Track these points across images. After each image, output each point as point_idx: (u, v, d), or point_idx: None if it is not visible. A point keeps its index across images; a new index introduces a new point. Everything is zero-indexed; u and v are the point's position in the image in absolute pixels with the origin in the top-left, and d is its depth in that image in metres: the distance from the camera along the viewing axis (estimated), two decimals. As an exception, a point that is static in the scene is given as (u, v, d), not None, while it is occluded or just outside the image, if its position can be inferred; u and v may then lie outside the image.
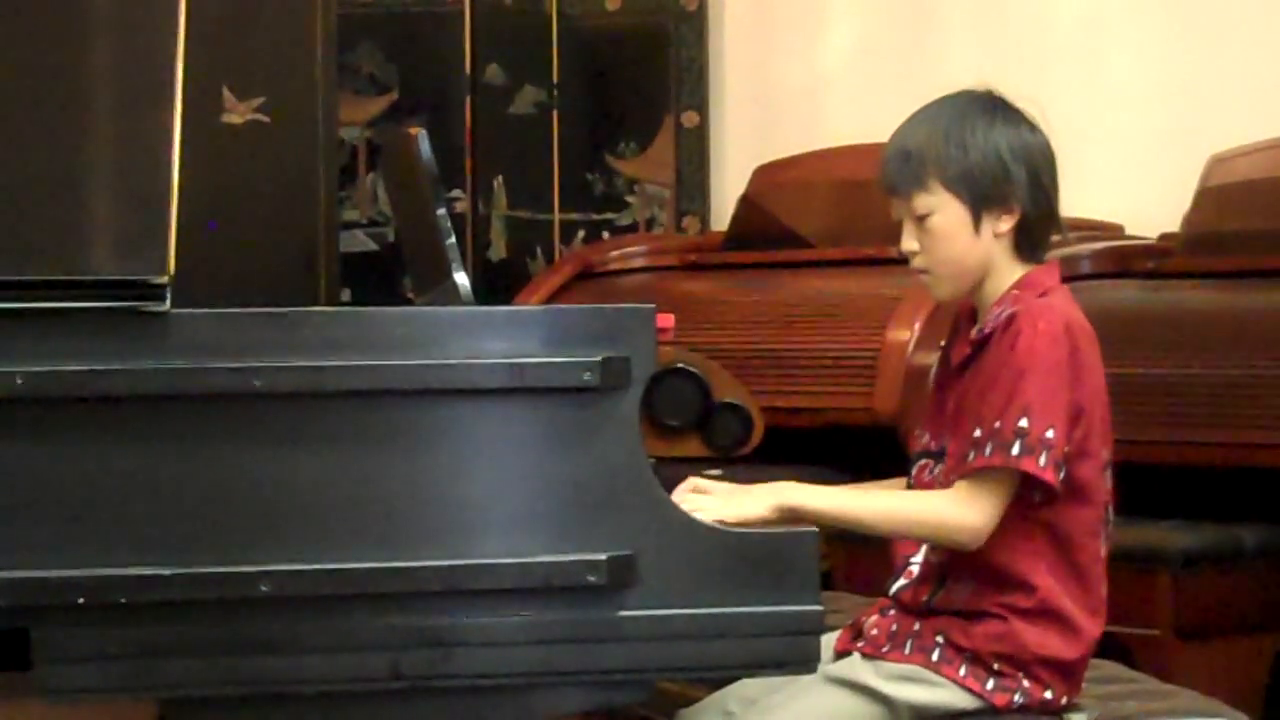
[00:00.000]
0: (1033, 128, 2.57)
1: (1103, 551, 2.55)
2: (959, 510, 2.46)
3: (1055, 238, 2.61)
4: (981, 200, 2.53)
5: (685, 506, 2.39)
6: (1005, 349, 2.47)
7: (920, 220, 2.55)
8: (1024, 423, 2.43)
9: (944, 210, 2.54)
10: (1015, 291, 2.54)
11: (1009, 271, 2.56)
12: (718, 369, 4.14)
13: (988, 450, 2.44)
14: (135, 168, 2.27)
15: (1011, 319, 2.49)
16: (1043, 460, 2.43)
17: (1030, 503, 2.47)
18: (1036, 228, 2.57)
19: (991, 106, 2.57)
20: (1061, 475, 2.45)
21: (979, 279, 2.57)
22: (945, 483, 2.54)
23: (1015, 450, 2.43)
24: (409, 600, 2.26)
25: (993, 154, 2.53)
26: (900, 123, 2.60)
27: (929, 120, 2.57)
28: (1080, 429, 2.48)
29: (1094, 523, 2.53)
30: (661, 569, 2.28)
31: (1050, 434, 2.43)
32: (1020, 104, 2.58)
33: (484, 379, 2.27)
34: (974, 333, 2.57)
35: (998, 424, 2.44)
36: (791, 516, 2.42)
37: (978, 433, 2.46)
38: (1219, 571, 3.68)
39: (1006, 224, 2.55)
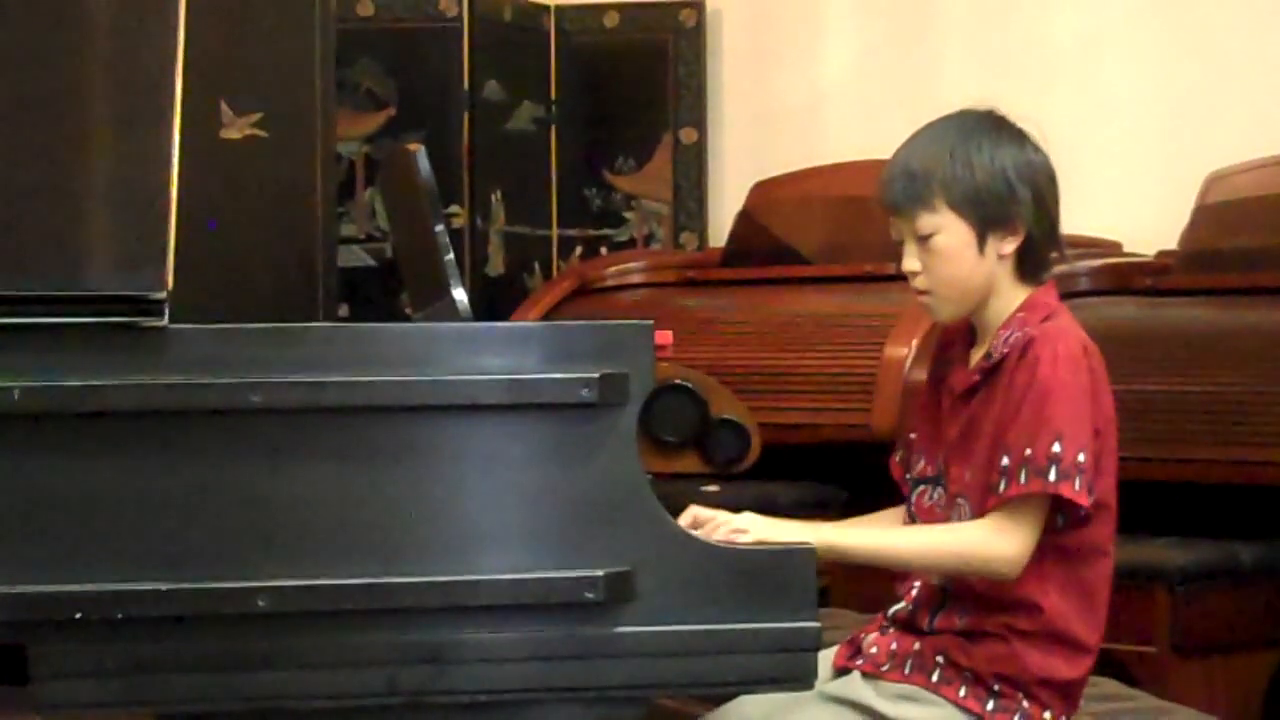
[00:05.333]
0: (1035, 148, 2.55)
1: (1110, 569, 2.54)
2: (996, 540, 2.44)
3: (1053, 256, 2.60)
4: (987, 221, 2.51)
5: (728, 526, 2.40)
6: (1026, 375, 2.45)
7: (923, 240, 2.53)
8: (1057, 448, 2.41)
9: (949, 230, 2.51)
10: (1021, 315, 2.52)
11: (1011, 293, 2.55)
12: (716, 385, 4.14)
13: (1022, 478, 2.42)
14: (134, 182, 2.27)
15: (1028, 345, 2.47)
16: (1078, 484, 2.42)
17: (1052, 527, 2.46)
18: (1039, 249, 2.55)
19: (996, 126, 2.55)
20: (1092, 499, 2.44)
21: (981, 300, 2.55)
22: (950, 506, 2.54)
23: (1051, 476, 2.41)
24: (406, 616, 2.25)
25: (999, 174, 2.51)
26: (899, 140, 2.59)
27: (934, 139, 2.54)
28: (1096, 448, 2.47)
29: (1106, 541, 2.53)
30: (659, 585, 2.28)
31: (1082, 458, 2.42)
32: (1021, 123, 2.56)
33: (482, 395, 2.27)
34: (981, 358, 2.55)
35: (1028, 451, 2.42)
36: (828, 554, 2.42)
37: (1006, 461, 2.44)
38: (1216, 588, 3.67)
39: (1010, 245, 2.53)
